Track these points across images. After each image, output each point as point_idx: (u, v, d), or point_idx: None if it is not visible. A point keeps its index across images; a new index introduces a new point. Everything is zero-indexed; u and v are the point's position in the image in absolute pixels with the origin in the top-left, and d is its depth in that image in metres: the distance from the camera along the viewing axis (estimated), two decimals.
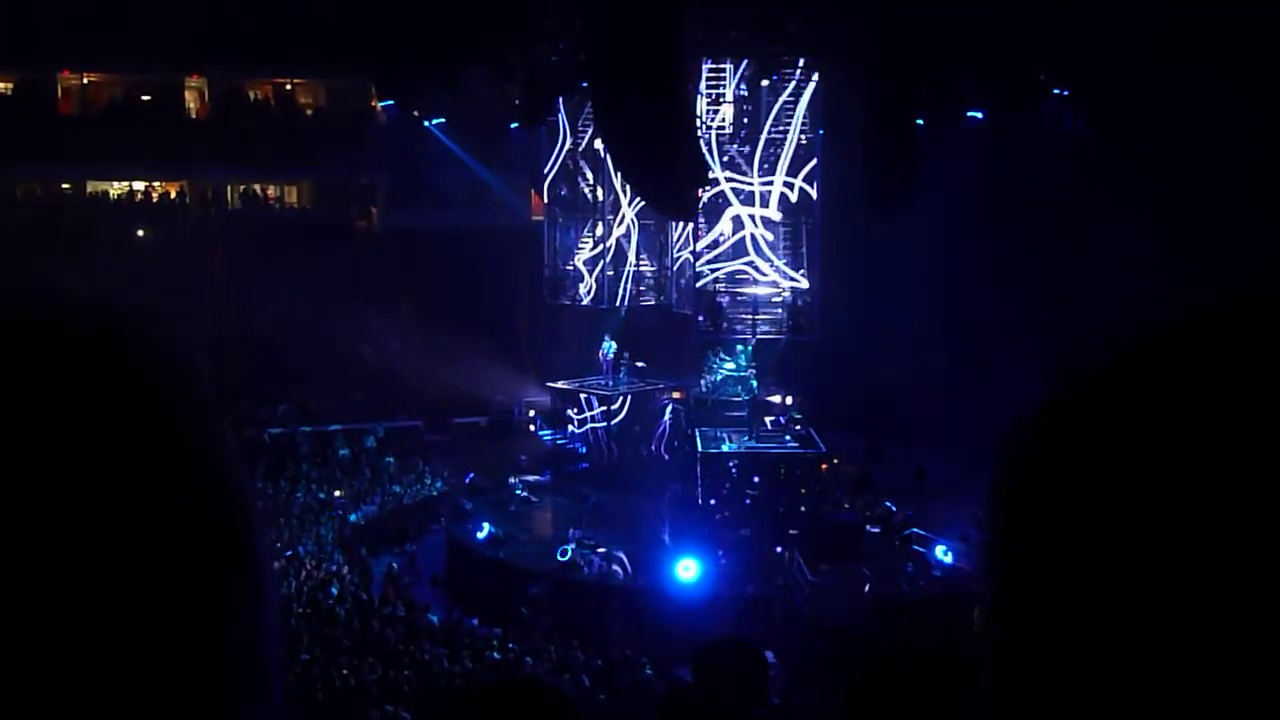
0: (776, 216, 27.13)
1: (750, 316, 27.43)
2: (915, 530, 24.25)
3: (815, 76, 26.97)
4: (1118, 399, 0.74)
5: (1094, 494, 0.72)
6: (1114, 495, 0.71)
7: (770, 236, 27.22)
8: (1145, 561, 0.69)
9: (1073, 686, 0.72)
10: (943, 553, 23.06)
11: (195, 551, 0.75)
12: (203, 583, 0.75)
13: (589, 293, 30.16)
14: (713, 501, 25.15)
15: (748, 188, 27.28)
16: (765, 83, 26.92)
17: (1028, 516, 0.76)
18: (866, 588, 22.04)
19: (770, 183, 27.24)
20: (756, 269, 27.33)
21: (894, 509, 25.54)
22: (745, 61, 27.06)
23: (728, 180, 27.34)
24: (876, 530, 24.90)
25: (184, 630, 0.74)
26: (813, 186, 27.16)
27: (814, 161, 27.14)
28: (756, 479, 25.17)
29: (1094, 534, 0.72)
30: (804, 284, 27.06)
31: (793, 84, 27.05)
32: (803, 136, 27.11)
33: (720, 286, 27.47)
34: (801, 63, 26.87)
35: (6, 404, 0.71)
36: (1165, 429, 0.71)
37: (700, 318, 27.35)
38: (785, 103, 27.14)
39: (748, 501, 24.95)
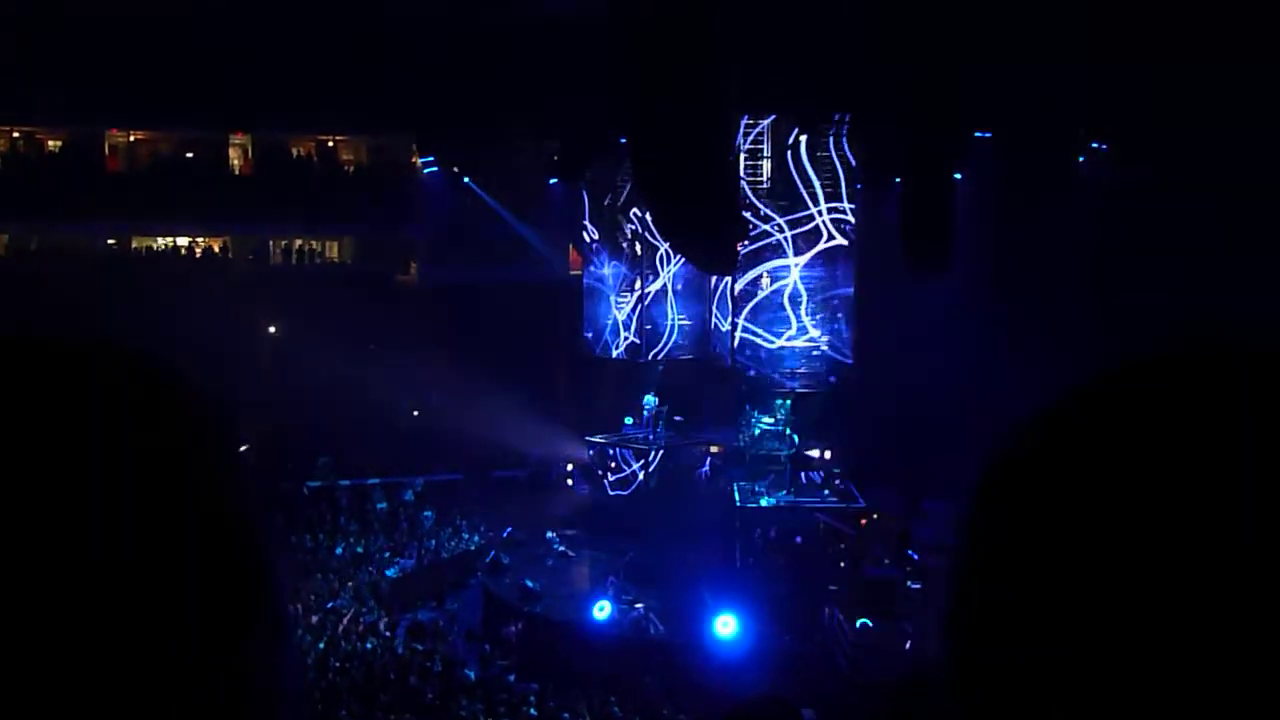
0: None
1: (789, 370, 27.36)
2: None
3: (852, 131, 27.03)
4: (1085, 434, 0.76)
5: (1067, 517, 0.73)
6: (1091, 518, 0.71)
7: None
8: (1109, 589, 0.69)
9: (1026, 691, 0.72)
10: None
11: (210, 597, 0.75)
12: (217, 632, 0.75)
13: (627, 347, 30.20)
14: (751, 557, 24.96)
15: (786, 243, 27.29)
16: (804, 137, 27.00)
17: (998, 543, 0.77)
18: (907, 644, 21.78)
19: (809, 235, 27.24)
20: (796, 323, 27.29)
21: (933, 564, 25.24)
22: (784, 116, 27.17)
23: (766, 234, 27.37)
24: (917, 586, 24.61)
25: (195, 689, 0.74)
26: (850, 240, 27.13)
27: (851, 215, 27.13)
28: (797, 535, 24.98)
29: (1062, 559, 0.72)
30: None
31: (831, 139, 27.12)
32: (840, 191, 27.13)
33: (759, 341, 27.44)
34: (838, 118, 26.96)
35: (41, 434, 0.72)
36: (1134, 468, 0.71)
37: (746, 364, 27.31)
38: (822, 157, 27.20)
39: (787, 557, 24.74)
